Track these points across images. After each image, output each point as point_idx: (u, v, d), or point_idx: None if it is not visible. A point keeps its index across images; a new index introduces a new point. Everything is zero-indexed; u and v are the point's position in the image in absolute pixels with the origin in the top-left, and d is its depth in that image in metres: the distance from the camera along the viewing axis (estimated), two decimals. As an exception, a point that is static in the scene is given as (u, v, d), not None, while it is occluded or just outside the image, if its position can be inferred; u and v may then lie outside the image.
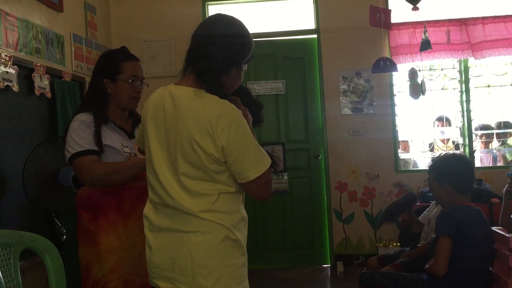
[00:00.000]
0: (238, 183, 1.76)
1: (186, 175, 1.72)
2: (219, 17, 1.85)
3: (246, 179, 1.72)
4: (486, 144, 5.41)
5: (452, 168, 2.88)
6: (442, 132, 5.42)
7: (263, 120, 2.11)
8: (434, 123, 5.42)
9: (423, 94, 4.87)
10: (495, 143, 5.41)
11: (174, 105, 1.75)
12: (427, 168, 4.09)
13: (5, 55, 3.36)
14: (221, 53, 1.75)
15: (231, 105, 1.72)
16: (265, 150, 1.80)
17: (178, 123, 1.72)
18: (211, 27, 1.80)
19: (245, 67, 1.87)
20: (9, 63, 3.39)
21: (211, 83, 1.74)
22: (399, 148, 5.38)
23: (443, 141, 5.51)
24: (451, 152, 5.08)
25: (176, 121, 1.73)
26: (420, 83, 4.85)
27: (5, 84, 3.35)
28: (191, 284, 1.72)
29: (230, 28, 1.81)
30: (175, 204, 1.73)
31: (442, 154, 3.42)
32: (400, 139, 5.45)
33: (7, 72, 3.37)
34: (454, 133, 5.43)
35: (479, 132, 5.35)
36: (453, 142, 5.48)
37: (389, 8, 5.09)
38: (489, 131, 5.37)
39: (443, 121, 5.38)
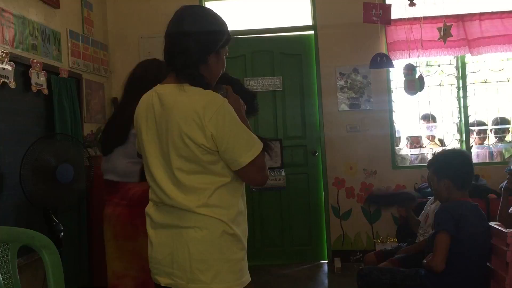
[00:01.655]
0: (233, 172, 1.76)
1: (180, 170, 1.73)
2: (183, 10, 1.84)
3: (240, 165, 1.72)
4: (482, 140, 5.41)
5: (452, 164, 2.88)
6: (430, 129, 5.41)
7: (258, 109, 2.10)
8: (419, 120, 5.41)
9: (421, 89, 4.87)
10: (491, 139, 5.41)
11: (161, 103, 1.76)
12: (425, 164, 4.11)
13: (2, 52, 3.35)
14: (192, 45, 1.76)
15: (216, 94, 1.74)
16: (257, 135, 1.79)
17: (167, 120, 1.73)
18: (178, 23, 1.81)
19: (225, 50, 1.87)
20: (6, 59, 3.38)
21: (191, 78, 1.75)
22: (398, 144, 5.38)
23: (428, 138, 5.51)
24: (451, 147, 5.09)
25: (165, 118, 1.74)
26: (417, 78, 4.86)
27: (1, 80, 3.34)
28: (189, 279, 1.72)
29: (196, 18, 1.81)
30: (172, 202, 1.74)
31: (442, 150, 3.43)
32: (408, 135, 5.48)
33: (3, 68, 3.36)
34: (441, 131, 5.43)
35: (476, 128, 5.35)
36: (440, 140, 5.48)
37: (387, 3, 5.08)
38: (485, 127, 5.38)
39: (429, 119, 5.37)
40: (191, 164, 1.72)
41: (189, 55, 1.76)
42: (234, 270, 1.75)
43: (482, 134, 5.39)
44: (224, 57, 1.89)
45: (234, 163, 1.72)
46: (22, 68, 3.63)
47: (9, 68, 3.42)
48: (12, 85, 3.45)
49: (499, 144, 5.37)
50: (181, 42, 1.77)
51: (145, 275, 2.39)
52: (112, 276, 2.66)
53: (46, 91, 3.87)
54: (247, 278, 1.81)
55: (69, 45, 4.43)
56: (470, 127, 5.30)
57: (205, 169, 1.73)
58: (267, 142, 1.82)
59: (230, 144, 1.69)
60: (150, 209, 1.86)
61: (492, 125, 5.38)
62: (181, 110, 1.70)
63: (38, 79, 3.77)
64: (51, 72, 3.99)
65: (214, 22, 1.84)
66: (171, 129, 1.72)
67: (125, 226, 2.61)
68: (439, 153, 3.14)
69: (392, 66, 4.90)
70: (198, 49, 1.77)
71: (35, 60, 3.74)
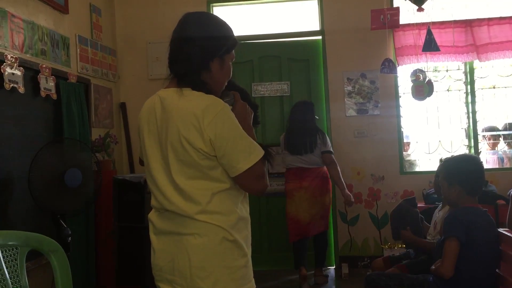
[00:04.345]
0: (232, 178, 1.75)
1: (179, 174, 1.72)
2: (186, 17, 1.84)
3: (238, 171, 1.70)
4: (493, 146, 5.38)
5: (463, 169, 2.85)
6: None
7: (259, 122, 2.09)
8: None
9: (430, 95, 4.85)
10: (501, 145, 5.37)
11: (162, 107, 1.76)
12: (434, 169, 4.07)
13: (11, 57, 3.37)
14: (194, 52, 1.76)
15: (217, 99, 1.73)
16: (260, 143, 1.78)
17: (168, 124, 1.73)
18: (181, 30, 1.81)
19: (231, 56, 1.86)
20: (15, 64, 3.40)
21: (193, 84, 1.75)
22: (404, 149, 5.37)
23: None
24: (463, 153, 5.04)
25: (166, 122, 1.74)
26: (426, 83, 4.84)
27: (11, 85, 3.36)
28: (189, 286, 1.72)
29: (198, 25, 1.80)
30: (173, 208, 1.74)
31: (454, 155, 3.38)
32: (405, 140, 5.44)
33: (13, 73, 3.38)
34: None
35: (486, 134, 5.32)
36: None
37: (394, 7, 5.07)
38: (494, 133, 5.35)
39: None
40: (190, 169, 1.71)
41: (190, 62, 1.76)
42: (235, 277, 1.74)
43: (493, 140, 5.36)
44: (230, 64, 1.87)
45: (231, 169, 1.71)
46: (31, 73, 3.65)
47: (19, 73, 3.44)
48: (21, 90, 3.47)
49: (509, 150, 5.34)
50: (183, 48, 1.77)
51: (324, 211, 4.69)
52: (308, 217, 4.61)
53: (55, 96, 3.90)
54: (250, 286, 1.80)
55: (78, 50, 4.46)
56: (479, 133, 5.27)
57: (204, 175, 1.72)
58: (268, 150, 1.80)
59: (228, 150, 1.68)
60: (152, 215, 1.85)
61: (501, 130, 5.34)
62: (181, 114, 1.70)
63: (47, 84, 3.80)
64: (60, 77, 4.02)
65: (217, 28, 1.83)
66: (170, 132, 1.71)
67: (320, 189, 4.64)
68: (450, 158, 3.10)
69: (395, 72, 4.90)
70: (200, 55, 1.76)
71: (44, 65, 3.77)
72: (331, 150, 4.69)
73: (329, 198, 4.75)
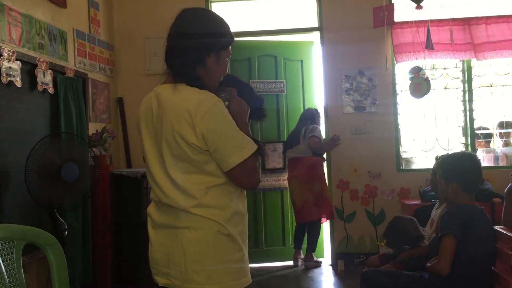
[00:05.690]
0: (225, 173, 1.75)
1: (174, 169, 1.73)
2: (184, 13, 1.84)
3: (229, 166, 1.71)
4: (487, 144, 5.39)
5: (461, 167, 2.86)
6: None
7: (265, 115, 2.09)
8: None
9: (428, 92, 4.85)
10: (497, 143, 5.38)
11: (158, 103, 1.77)
12: (430, 167, 4.08)
13: (9, 50, 3.36)
14: (190, 46, 1.76)
15: (210, 94, 1.74)
16: (254, 138, 1.78)
17: (163, 119, 1.74)
18: (177, 25, 1.82)
19: (227, 53, 1.86)
20: (12, 58, 3.39)
21: (188, 78, 1.76)
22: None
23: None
24: (461, 150, 5.05)
25: (161, 117, 1.75)
26: (424, 81, 4.84)
27: (8, 79, 3.35)
28: (184, 279, 1.73)
29: (194, 20, 1.81)
30: (169, 201, 1.75)
31: (451, 152, 3.38)
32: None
33: (10, 67, 3.37)
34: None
35: (482, 132, 5.33)
36: None
37: (390, 3, 5.08)
38: (489, 131, 5.36)
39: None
40: (184, 163, 1.72)
41: (186, 56, 1.77)
42: (229, 271, 1.75)
43: (484, 138, 5.37)
44: (227, 60, 1.87)
45: (223, 163, 1.72)
46: (29, 67, 3.64)
47: (16, 67, 3.43)
48: (18, 83, 3.46)
49: (504, 148, 5.34)
50: (179, 43, 1.78)
51: (316, 199, 5.07)
52: (300, 203, 5.07)
53: (52, 90, 3.88)
54: (246, 280, 1.80)
55: (76, 44, 4.44)
56: (476, 131, 5.28)
57: (198, 169, 1.73)
58: (261, 144, 1.80)
59: (220, 144, 1.69)
60: (150, 209, 1.87)
61: (498, 128, 5.35)
62: (174, 109, 1.71)
63: (44, 78, 3.79)
64: (57, 71, 4.00)
65: (215, 23, 1.83)
66: (165, 128, 1.73)
67: (307, 177, 5.05)
68: (448, 155, 3.11)
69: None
70: (195, 49, 1.77)
71: (41, 59, 3.75)
72: (315, 134, 5.09)
73: (319, 186, 5.10)
